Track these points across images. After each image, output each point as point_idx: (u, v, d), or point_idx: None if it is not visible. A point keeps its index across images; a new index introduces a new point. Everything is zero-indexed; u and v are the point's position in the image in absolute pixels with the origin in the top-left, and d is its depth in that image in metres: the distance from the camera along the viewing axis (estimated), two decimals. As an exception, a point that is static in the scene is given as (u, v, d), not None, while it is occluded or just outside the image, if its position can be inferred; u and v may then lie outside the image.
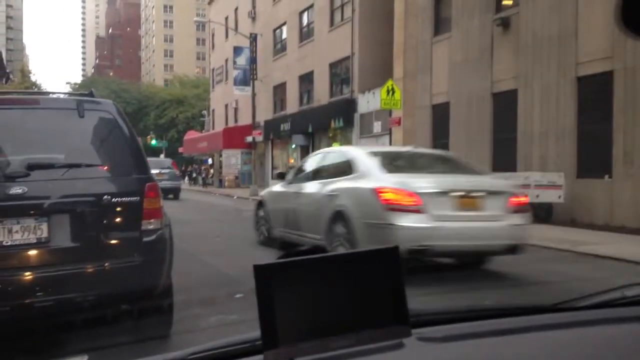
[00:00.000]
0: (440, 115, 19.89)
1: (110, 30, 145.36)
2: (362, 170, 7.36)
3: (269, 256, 0.89)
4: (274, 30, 36.08)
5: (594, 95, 14.49)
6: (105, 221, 4.06)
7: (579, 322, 1.32)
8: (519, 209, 6.89)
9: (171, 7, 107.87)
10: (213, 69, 49.79)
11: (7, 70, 49.92)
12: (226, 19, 42.84)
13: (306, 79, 31.96)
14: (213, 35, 49.49)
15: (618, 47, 13.46)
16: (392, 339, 0.98)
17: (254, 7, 38.53)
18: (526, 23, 16.35)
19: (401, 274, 0.94)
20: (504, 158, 17.00)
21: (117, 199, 4.10)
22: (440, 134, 19.89)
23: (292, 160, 34.35)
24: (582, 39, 14.60)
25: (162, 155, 51.37)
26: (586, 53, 14.49)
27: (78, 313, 3.78)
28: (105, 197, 4.05)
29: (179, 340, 4.13)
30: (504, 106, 17.16)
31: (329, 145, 29.86)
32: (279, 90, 35.51)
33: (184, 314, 4.61)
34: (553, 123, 15.44)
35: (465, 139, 18.57)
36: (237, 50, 36.66)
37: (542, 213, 14.56)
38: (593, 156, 14.35)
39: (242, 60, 36.16)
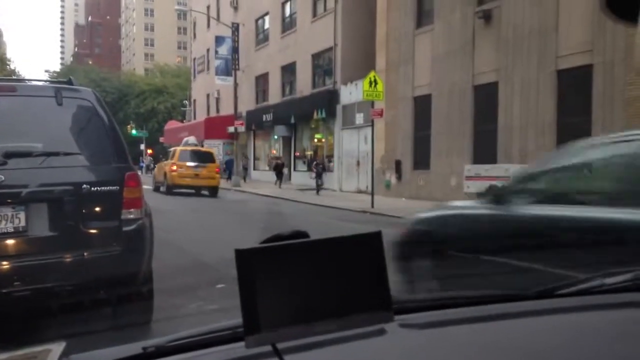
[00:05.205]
0: (422, 107, 19.97)
1: (89, 18, 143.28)
2: None
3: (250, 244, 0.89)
4: (256, 20, 35.85)
5: (574, 88, 14.65)
6: (84, 210, 4.01)
7: (559, 309, 1.34)
8: None
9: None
10: (194, 59, 49.37)
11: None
12: (208, 7, 42.44)
13: (288, 70, 31.84)
14: (194, 24, 49.02)
15: (598, 41, 13.61)
16: (374, 324, 0.98)
17: (236, -4, 38.25)
18: (507, 16, 16.44)
19: (384, 260, 0.94)
20: (484, 150, 17.13)
21: (96, 188, 4.05)
22: (421, 126, 19.99)
23: (274, 152, 34.26)
24: (563, 33, 14.73)
25: (142, 146, 50.91)
26: (566, 46, 14.63)
27: (57, 300, 3.74)
28: (84, 186, 4.00)
29: (159, 327, 4.11)
30: (485, 99, 17.28)
31: (312, 136, 29.86)
32: (261, 81, 35.35)
33: (164, 302, 4.59)
34: (533, 116, 15.59)
35: (447, 131, 18.68)
36: (219, 40, 36.37)
37: (521, 205, 14.70)
38: (572, 149, 14.52)
39: (223, 50, 35.90)
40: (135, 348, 1.07)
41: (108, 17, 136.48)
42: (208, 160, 23.03)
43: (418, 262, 4.64)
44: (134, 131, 52.95)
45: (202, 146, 39.20)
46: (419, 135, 20.17)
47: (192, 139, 26.55)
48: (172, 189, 22.05)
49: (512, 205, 3.99)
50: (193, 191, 22.41)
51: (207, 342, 1.11)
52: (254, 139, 36.76)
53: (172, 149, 26.35)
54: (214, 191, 22.64)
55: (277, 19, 33.11)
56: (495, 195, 4.24)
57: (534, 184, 4.33)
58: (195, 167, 22.17)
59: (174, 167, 22.20)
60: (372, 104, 19.56)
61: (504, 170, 14.64)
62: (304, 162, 30.28)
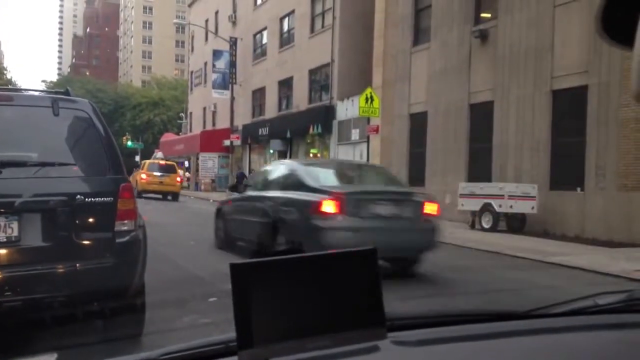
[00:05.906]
0: (418, 124, 20.04)
1: (88, 30, 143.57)
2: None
3: (242, 259, 0.89)
4: (254, 35, 36.02)
5: (569, 108, 14.74)
6: (77, 221, 3.98)
7: (551, 329, 1.33)
8: None
9: (151, 9, 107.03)
10: (192, 72, 49.50)
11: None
12: (206, 22, 42.65)
13: (285, 85, 31.95)
14: (193, 37, 49.21)
15: (593, 62, 13.73)
16: (368, 341, 0.98)
17: (234, 11, 38.45)
18: (504, 36, 16.58)
19: (379, 276, 0.94)
20: (479, 168, 17.18)
21: (90, 199, 4.04)
22: (417, 143, 20.04)
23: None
24: (558, 53, 14.86)
25: (137, 157, 50.83)
26: (562, 67, 14.75)
27: (48, 311, 3.71)
28: (78, 197, 3.98)
29: (151, 340, 4.08)
30: (481, 117, 17.36)
31: (307, 151, 29.95)
32: (258, 95, 35.44)
33: (156, 315, 4.55)
34: (528, 135, 15.67)
35: (442, 149, 18.73)
36: (217, 54, 36.53)
37: (515, 223, 14.75)
38: (566, 169, 14.59)
39: (221, 63, 36.04)
40: (127, 361, 1.06)
41: (106, 29, 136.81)
42: (171, 171, 28.95)
43: (217, 221, 10.74)
44: (129, 143, 52.86)
45: (197, 159, 39.63)
46: (414, 152, 20.23)
47: (159, 154, 34.46)
48: (141, 194, 26.41)
49: (243, 191, 10.01)
50: (160, 196, 27.58)
51: (200, 356, 1.10)
52: (250, 152, 36.78)
53: (142, 161, 32.79)
54: (175, 196, 28.31)
55: (275, 34, 33.28)
56: (236, 187, 10.82)
57: (252, 181, 10.60)
58: (160, 176, 28.19)
59: (143, 176, 28.17)
60: (368, 120, 19.63)
61: (498, 189, 14.68)
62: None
